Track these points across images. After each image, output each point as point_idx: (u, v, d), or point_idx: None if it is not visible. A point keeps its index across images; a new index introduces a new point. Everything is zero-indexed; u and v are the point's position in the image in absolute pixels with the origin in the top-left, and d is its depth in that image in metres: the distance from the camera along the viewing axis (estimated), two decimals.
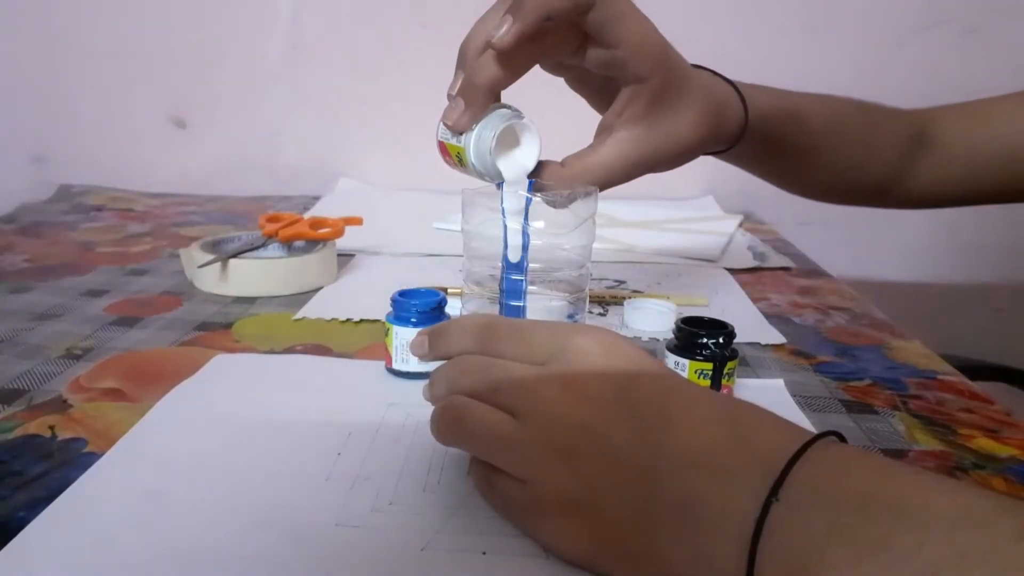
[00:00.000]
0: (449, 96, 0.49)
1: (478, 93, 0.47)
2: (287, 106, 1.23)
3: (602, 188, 0.50)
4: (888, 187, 0.67)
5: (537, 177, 0.50)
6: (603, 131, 0.51)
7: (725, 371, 0.48)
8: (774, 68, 1.17)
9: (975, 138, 0.65)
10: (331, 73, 1.22)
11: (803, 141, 0.62)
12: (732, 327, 0.50)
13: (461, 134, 0.48)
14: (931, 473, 0.28)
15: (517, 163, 0.49)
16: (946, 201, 0.68)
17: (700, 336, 0.48)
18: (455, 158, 0.49)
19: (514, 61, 0.46)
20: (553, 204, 0.49)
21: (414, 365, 0.51)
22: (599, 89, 0.53)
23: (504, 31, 0.43)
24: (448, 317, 0.53)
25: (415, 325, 0.51)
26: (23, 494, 0.38)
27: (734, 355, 0.49)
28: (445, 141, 0.50)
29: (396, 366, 0.52)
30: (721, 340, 0.48)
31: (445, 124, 0.48)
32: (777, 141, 0.60)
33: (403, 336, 0.51)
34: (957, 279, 1.27)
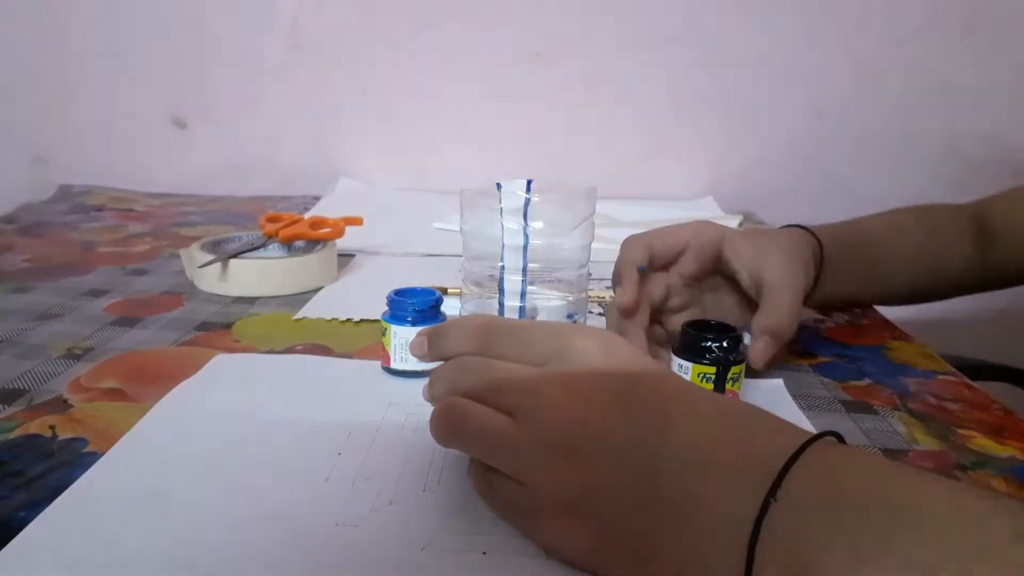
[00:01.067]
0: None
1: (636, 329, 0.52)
2: (287, 106, 1.23)
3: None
4: (970, 280, 0.70)
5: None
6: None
7: (729, 375, 0.47)
8: (774, 68, 1.18)
9: None
10: (331, 73, 1.22)
11: (876, 253, 0.66)
12: (740, 331, 0.49)
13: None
14: (929, 473, 0.28)
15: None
16: (1013, 283, 0.71)
17: (705, 339, 0.47)
18: None
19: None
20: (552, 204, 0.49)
21: (412, 364, 0.51)
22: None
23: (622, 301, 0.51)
24: (444, 316, 0.53)
25: (412, 324, 0.51)
26: (23, 494, 0.38)
27: (740, 360, 0.48)
28: None
29: (394, 365, 0.52)
30: (726, 344, 0.47)
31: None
32: (851, 261, 0.63)
33: (401, 335, 0.51)
34: None
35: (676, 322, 0.54)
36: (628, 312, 0.51)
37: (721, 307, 0.58)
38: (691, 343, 0.48)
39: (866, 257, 0.65)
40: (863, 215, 0.68)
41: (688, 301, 0.57)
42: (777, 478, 0.28)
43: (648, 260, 0.53)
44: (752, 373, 0.51)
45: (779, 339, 0.52)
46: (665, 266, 0.56)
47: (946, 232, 0.69)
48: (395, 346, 0.52)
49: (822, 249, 0.60)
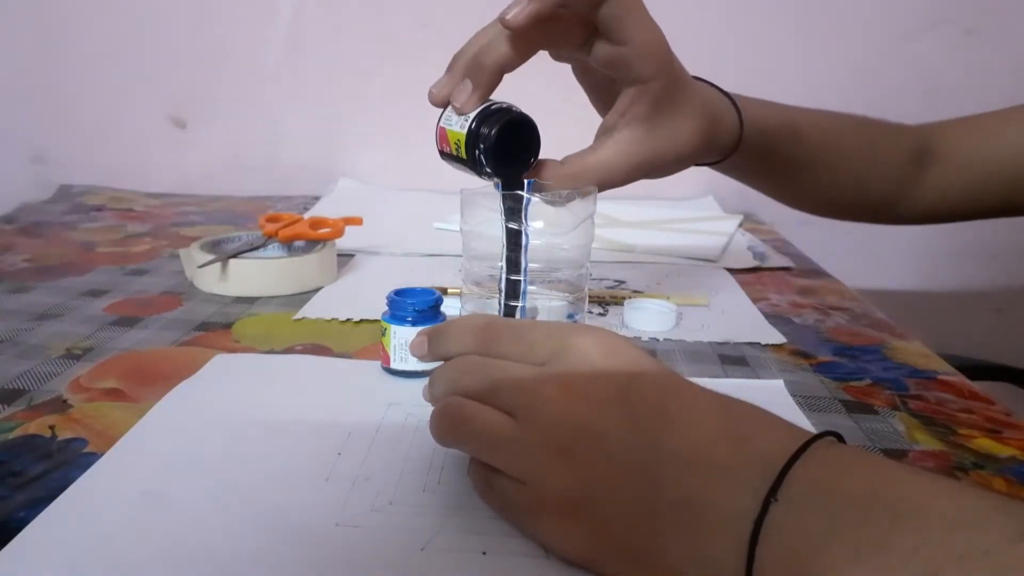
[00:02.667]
0: (432, 95, 0.48)
1: (485, 74, 0.47)
2: (287, 106, 1.23)
3: (601, 189, 0.50)
4: (892, 203, 0.67)
5: (537, 176, 0.49)
6: (604, 132, 0.51)
7: None
8: (774, 68, 1.18)
9: (979, 153, 0.65)
10: (331, 73, 1.22)
11: (800, 154, 0.62)
12: None
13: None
14: (930, 473, 0.28)
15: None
16: (950, 216, 0.68)
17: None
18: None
19: (523, 44, 0.47)
20: (552, 204, 0.49)
21: (412, 364, 0.51)
22: (599, 86, 0.53)
23: (518, 10, 0.44)
24: (444, 316, 0.53)
25: (412, 324, 0.51)
26: (23, 494, 0.38)
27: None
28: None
29: (394, 365, 0.52)
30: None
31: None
32: (773, 154, 0.60)
33: (401, 335, 0.51)
34: (957, 279, 1.27)
35: None
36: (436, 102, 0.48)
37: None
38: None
39: (791, 155, 0.61)
40: (798, 107, 0.63)
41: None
42: (778, 478, 0.28)
43: None
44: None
45: (574, 183, 0.48)
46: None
47: (883, 144, 0.66)
48: (395, 346, 0.52)
49: (742, 129, 0.56)
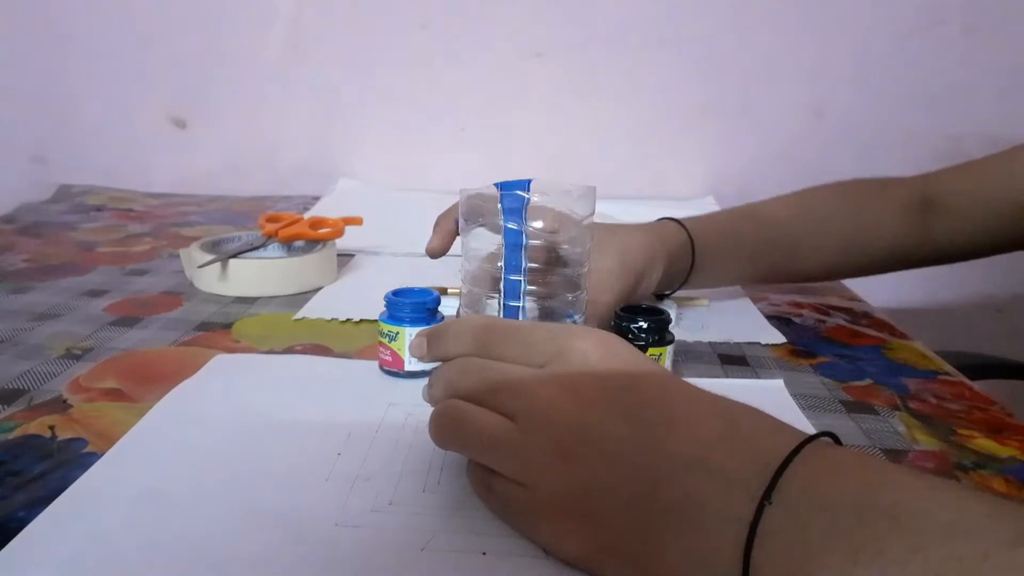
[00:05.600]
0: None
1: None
2: (287, 106, 1.23)
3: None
4: (902, 253, 0.68)
5: None
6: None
7: (648, 355, 0.47)
8: (774, 68, 1.18)
9: (980, 197, 0.66)
10: (331, 73, 1.22)
11: (772, 236, 0.66)
12: (667, 315, 0.52)
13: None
14: (927, 476, 0.28)
15: None
16: (963, 256, 0.70)
17: (624, 320, 0.50)
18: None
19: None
20: (553, 204, 0.49)
21: (413, 365, 0.51)
22: None
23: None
24: (442, 316, 0.53)
25: (411, 324, 0.51)
26: (23, 494, 0.38)
27: (663, 342, 0.50)
28: None
29: (408, 367, 0.52)
30: (644, 325, 0.50)
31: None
32: (737, 248, 0.65)
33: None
34: (957, 280, 1.27)
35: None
36: (434, 255, 0.59)
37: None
38: (616, 326, 0.51)
39: (762, 239, 0.66)
40: (768, 198, 0.68)
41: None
42: (772, 480, 0.28)
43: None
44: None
45: None
46: None
47: (869, 208, 0.68)
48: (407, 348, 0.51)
49: (692, 240, 0.61)
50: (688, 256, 0.62)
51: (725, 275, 0.66)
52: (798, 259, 0.67)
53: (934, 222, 0.67)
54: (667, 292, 0.65)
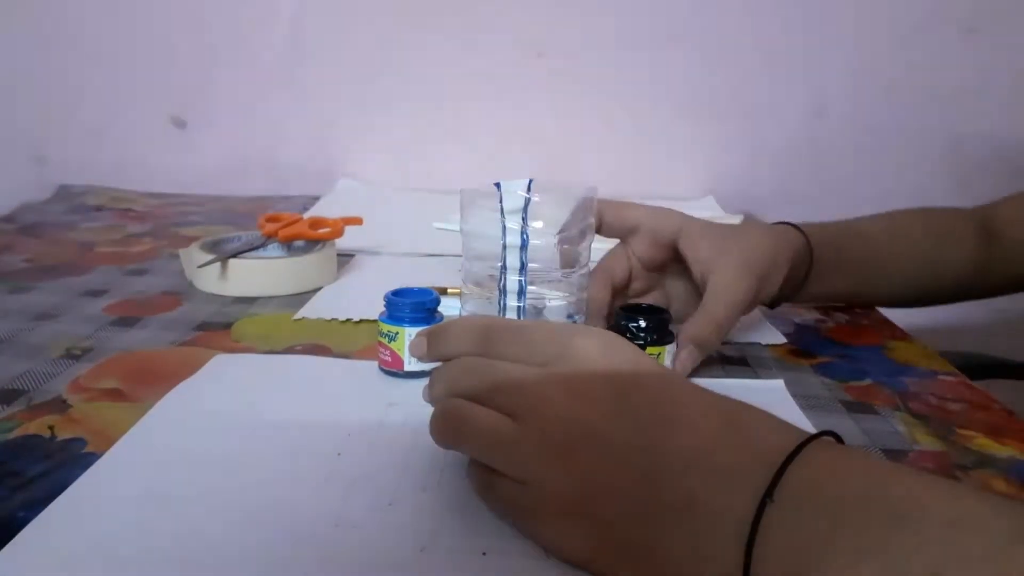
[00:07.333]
0: None
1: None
2: (287, 106, 1.23)
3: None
4: (968, 284, 0.69)
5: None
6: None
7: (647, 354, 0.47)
8: (774, 68, 1.18)
9: None
10: (331, 73, 1.21)
11: (871, 256, 0.65)
12: (667, 313, 0.52)
13: None
14: (928, 475, 0.28)
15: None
16: (1018, 288, 0.70)
17: (624, 319, 0.51)
18: None
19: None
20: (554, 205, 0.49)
21: (413, 365, 0.51)
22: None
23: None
24: (441, 316, 0.53)
25: (411, 324, 0.51)
26: (23, 494, 0.38)
27: (663, 341, 0.50)
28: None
29: (408, 368, 0.52)
30: (644, 323, 0.50)
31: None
32: (846, 262, 0.63)
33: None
34: None
35: None
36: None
37: (681, 295, 0.58)
38: (616, 324, 0.51)
39: (862, 257, 0.64)
40: (861, 216, 0.67)
41: (649, 285, 0.58)
42: (773, 478, 0.28)
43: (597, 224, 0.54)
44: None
45: (703, 350, 0.52)
46: (618, 236, 0.57)
47: (947, 234, 0.68)
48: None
49: (811, 248, 0.59)
50: (805, 265, 0.59)
51: (822, 290, 0.63)
52: (882, 279, 0.66)
53: (994, 251, 0.68)
54: (776, 303, 0.60)
